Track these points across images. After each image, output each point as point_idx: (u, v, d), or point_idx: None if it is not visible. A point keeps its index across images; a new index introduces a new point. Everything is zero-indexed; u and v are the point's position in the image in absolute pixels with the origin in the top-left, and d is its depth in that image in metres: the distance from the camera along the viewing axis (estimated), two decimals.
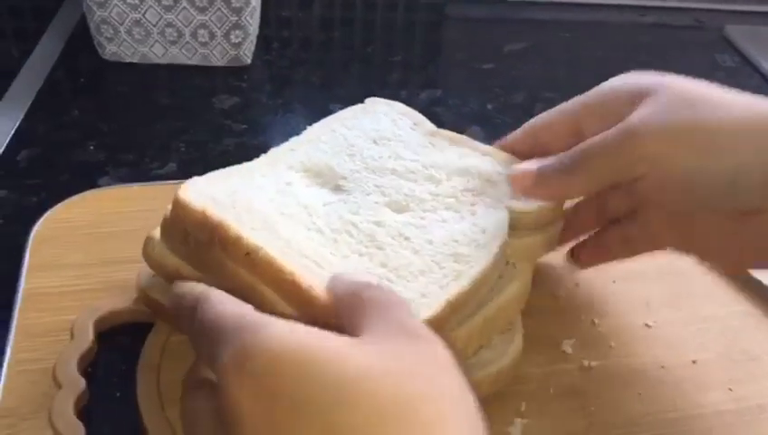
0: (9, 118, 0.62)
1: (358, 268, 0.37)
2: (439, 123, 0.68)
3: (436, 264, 0.38)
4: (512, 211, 0.41)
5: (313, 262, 0.37)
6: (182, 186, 0.39)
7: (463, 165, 0.45)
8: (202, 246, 0.38)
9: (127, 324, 0.44)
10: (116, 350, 0.43)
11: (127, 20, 0.68)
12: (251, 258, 0.36)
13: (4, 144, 0.59)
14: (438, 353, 0.27)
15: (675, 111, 0.36)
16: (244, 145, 0.62)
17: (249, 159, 0.60)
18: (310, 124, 0.61)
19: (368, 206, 0.42)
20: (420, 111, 0.68)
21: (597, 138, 0.38)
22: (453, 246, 0.39)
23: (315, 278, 0.34)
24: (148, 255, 0.41)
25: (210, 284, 0.33)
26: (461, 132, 0.68)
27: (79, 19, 0.77)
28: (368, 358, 0.26)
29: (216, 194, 0.39)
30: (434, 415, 0.24)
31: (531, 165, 0.41)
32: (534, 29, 0.88)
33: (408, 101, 0.70)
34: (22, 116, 0.63)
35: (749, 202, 0.36)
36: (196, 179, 0.41)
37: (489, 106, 0.71)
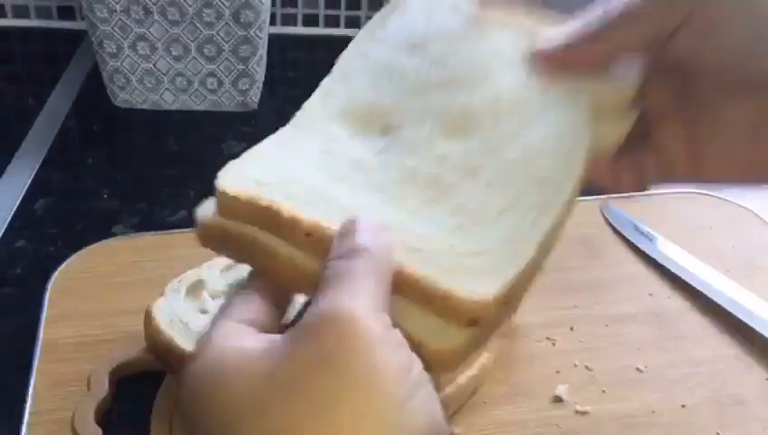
0: (26, 167, 0.65)
1: (435, 224, 0.32)
2: None
3: (516, 196, 0.32)
4: (591, 96, 0.35)
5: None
6: (220, 175, 0.33)
7: (517, 53, 0.37)
8: (246, 243, 0.33)
9: (142, 373, 0.46)
10: (131, 398, 0.45)
11: (138, 69, 0.71)
12: (313, 238, 0.31)
13: (22, 193, 0.62)
14: (348, 346, 0.25)
15: None
16: None
17: None
18: None
19: (424, 141, 0.35)
20: None
21: None
22: (531, 169, 0.33)
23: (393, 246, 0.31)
24: (145, 328, 0.44)
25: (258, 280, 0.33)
26: None
27: (91, 67, 0.80)
28: (264, 376, 0.26)
29: (258, 175, 0.33)
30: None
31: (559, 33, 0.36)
32: None
33: None
34: (38, 165, 0.66)
35: None
36: (233, 164, 0.34)
37: None
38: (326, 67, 0.99)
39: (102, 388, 0.44)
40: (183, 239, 0.57)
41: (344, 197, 0.33)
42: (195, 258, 0.48)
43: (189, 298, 0.46)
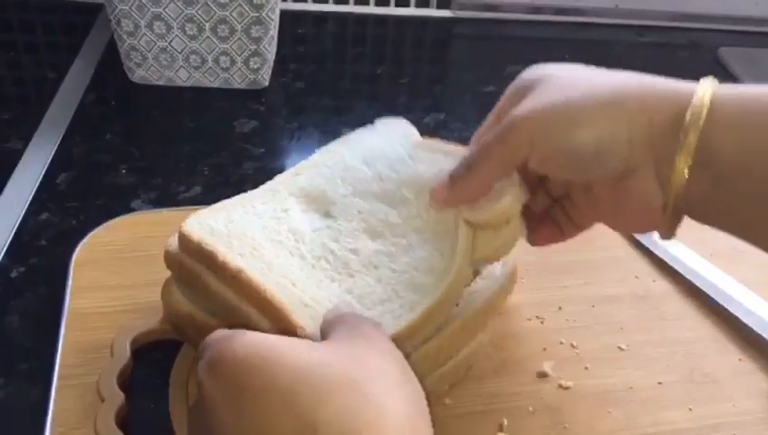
0: (48, 141, 0.68)
1: (328, 293, 0.43)
2: None
3: (395, 293, 0.42)
4: (470, 222, 0.44)
5: (290, 282, 0.43)
6: (187, 220, 0.46)
7: (430, 174, 0.47)
8: (194, 276, 0.45)
9: (160, 341, 0.50)
10: (151, 365, 0.49)
11: (154, 48, 0.74)
12: (236, 280, 0.42)
13: (45, 167, 0.65)
14: (384, 348, 0.35)
15: (547, 96, 0.42)
16: (262, 169, 0.68)
17: (266, 182, 0.66)
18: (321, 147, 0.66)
19: (348, 233, 0.46)
20: (425, 136, 0.74)
21: (489, 134, 0.44)
22: (412, 276, 0.43)
23: (289, 297, 0.41)
24: (165, 299, 0.47)
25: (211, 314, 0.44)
26: None
27: (109, 40, 0.83)
28: (323, 353, 0.33)
29: (215, 224, 0.46)
30: (376, 390, 0.31)
31: (444, 177, 0.46)
32: (536, 48, 0.93)
33: (413, 125, 0.76)
34: (59, 139, 0.69)
35: (615, 167, 0.41)
36: (200, 212, 0.47)
37: None
38: (335, 43, 1.03)
39: (124, 355, 0.48)
40: None
41: (271, 255, 0.44)
42: None
43: None
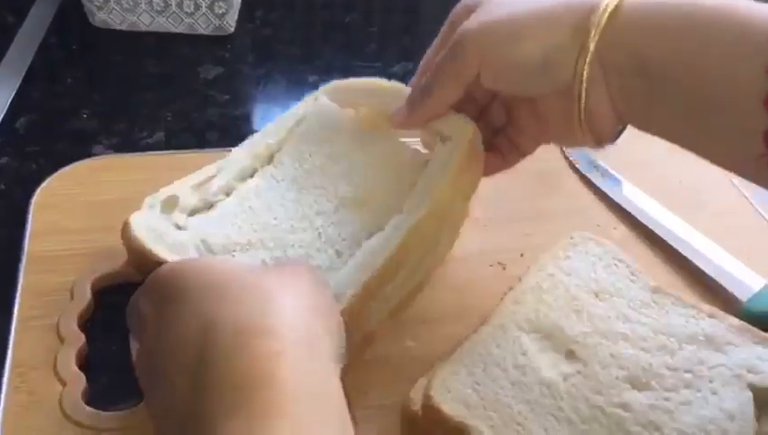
0: (7, 85, 0.67)
1: None
2: None
3: None
4: (754, 387, 0.42)
5: None
6: (434, 387, 0.41)
7: (691, 331, 0.46)
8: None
9: (122, 284, 0.50)
10: (112, 308, 0.48)
11: None
12: None
13: (4, 111, 0.64)
14: (309, 270, 0.36)
15: (492, 13, 0.43)
16: (226, 116, 0.67)
17: (231, 129, 0.65)
18: (288, 96, 0.64)
19: (609, 383, 0.42)
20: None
21: (439, 57, 0.45)
22: None
23: None
24: (125, 238, 0.46)
25: None
26: None
27: None
28: (249, 268, 0.35)
29: (464, 391, 0.42)
30: (281, 300, 0.32)
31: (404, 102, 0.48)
32: None
33: (381, 74, 0.75)
34: (19, 83, 0.67)
35: (564, 80, 0.41)
36: (439, 372, 0.42)
37: None
38: None
39: (85, 297, 0.48)
40: (159, 161, 0.60)
41: (537, 426, 0.40)
42: (170, 179, 0.51)
43: (164, 212, 0.49)
